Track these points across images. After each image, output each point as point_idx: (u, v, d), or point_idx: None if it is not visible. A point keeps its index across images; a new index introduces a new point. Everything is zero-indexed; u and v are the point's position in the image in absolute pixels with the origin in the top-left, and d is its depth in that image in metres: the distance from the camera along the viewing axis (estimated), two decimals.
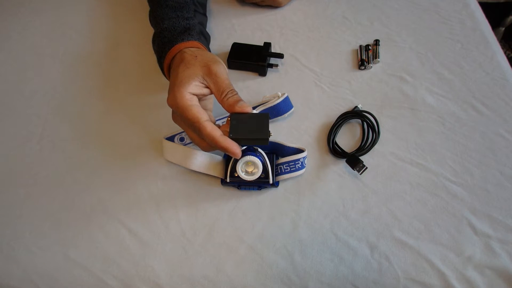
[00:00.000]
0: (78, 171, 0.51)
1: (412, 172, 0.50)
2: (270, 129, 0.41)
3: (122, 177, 0.51)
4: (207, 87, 0.43)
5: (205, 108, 0.47)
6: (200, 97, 0.44)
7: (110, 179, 0.51)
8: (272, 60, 0.60)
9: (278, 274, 0.44)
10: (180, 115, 0.42)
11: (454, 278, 0.43)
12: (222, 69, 0.43)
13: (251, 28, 0.65)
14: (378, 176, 0.50)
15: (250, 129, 0.41)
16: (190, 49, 0.47)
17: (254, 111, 0.52)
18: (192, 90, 0.42)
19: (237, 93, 0.43)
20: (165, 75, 0.51)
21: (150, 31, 0.55)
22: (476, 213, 0.47)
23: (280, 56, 0.59)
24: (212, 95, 0.46)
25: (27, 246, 0.46)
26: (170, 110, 0.55)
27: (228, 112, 0.42)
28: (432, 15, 0.66)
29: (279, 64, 0.60)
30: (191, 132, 0.43)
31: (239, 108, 0.41)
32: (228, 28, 0.65)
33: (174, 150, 0.50)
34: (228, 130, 0.41)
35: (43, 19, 0.68)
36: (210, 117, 0.47)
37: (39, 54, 0.63)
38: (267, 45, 0.60)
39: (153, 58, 0.61)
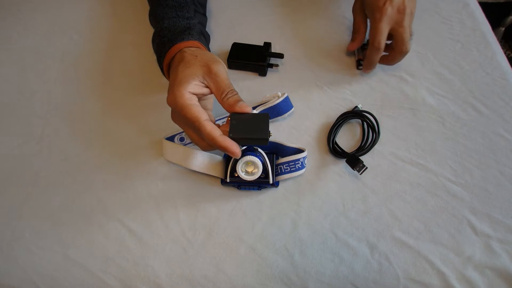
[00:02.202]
0: (78, 171, 0.51)
1: (412, 172, 0.50)
2: (270, 129, 0.41)
3: (122, 177, 0.51)
4: (207, 86, 0.43)
5: (205, 108, 0.47)
6: (200, 97, 0.44)
7: (110, 179, 0.51)
8: (272, 60, 0.60)
9: (278, 274, 0.44)
10: (179, 115, 0.42)
11: (454, 278, 0.43)
12: (222, 69, 0.43)
13: (251, 28, 0.65)
14: (378, 176, 0.50)
15: (250, 129, 0.41)
16: (190, 48, 0.47)
17: (254, 111, 0.52)
18: (192, 89, 0.42)
19: (237, 93, 0.43)
20: (164, 75, 0.51)
21: (151, 31, 0.55)
22: (476, 213, 0.47)
23: (280, 56, 0.59)
24: (212, 95, 0.46)
25: (27, 246, 0.46)
26: (170, 110, 0.56)
27: (228, 112, 0.42)
28: (432, 15, 0.66)
29: (279, 64, 0.60)
30: (190, 131, 0.43)
31: (239, 108, 0.41)
32: (228, 28, 0.65)
33: (174, 150, 0.50)
34: (227, 130, 0.41)
35: (43, 18, 0.68)
36: (209, 116, 0.47)
37: (39, 54, 0.63)
38: (267, 45, 0.60)
39: (154, 58, 0.60)
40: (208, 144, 0.42)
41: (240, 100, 0.42)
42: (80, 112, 0.57)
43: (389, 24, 0.52)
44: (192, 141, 0.45)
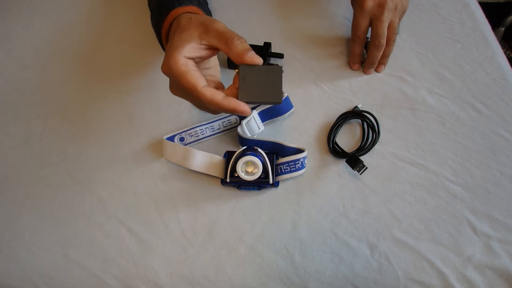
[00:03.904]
0: (78, 171, 0.51)
1: (412, 172, 0.50)
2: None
3: (122, 177, 0.51)
4: (207, 48, 0.39)
5: (213, 76, 0.44)
6: (198, 61, 0.40)
7: (110, 179, 0.51)
8: (272, 60, 0.60)
9: (278, 274, 0.44)
10: (175, 83, 0.39)
11: (454, 278, 0.43)
12: (221, 24, 0.39)
13: (251, 28, 0.65)
14: (378, 176, 0.50)
15: (261, 89, 0.37)
16: (187, 14, 0.43)
17: (254, 111, 0.51)
18: (188, 53, 0.38)
19: (245, 41, 0.38)
20: (164, 50, 0.48)
21: (150, 31, 0.55)
22: (476, 213, 0.47)
23: (280, 56, 0.59)
24: (217, 63, 0.44)
25: (27, 246, 0.46)
26: (170, 108, 0.56)
27: (236, 63, 0.38)
28: (432, 15, 0.66)
29: (279, 64, 0.60)
30: (191, 100, 0.40)
31: (249, 59, 0.37)
32: (228, 27, 0.65)
33: (174, 150, 0.50)
34: (236, 88, 0.38)
35: (43, 19, 0.68)
36: (216, 82, 0.42)
37: (39, 54, 0.63)
38: (267, 45, 0.60)
39: (153, 58, 0.61)
40: (216, 110, 0.39)
41: (250, 49, 0.37)
42: (80, 112, 0.57)
43: (368, 17, 0.54)
44: (199, 108, 0.41)
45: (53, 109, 0.57)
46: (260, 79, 0.37)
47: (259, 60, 0.38)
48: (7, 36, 0.66)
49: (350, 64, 0.59)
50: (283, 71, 0.38)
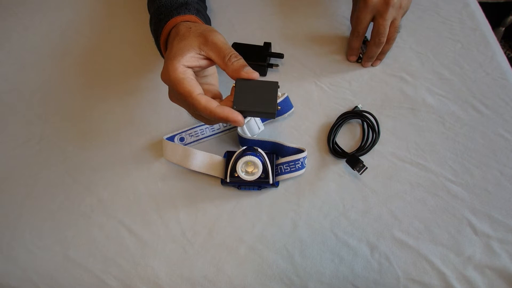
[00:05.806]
0: (78, 171, 0.51)
1: (412, 172, 0.50)
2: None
3: (122, 177, 0.51)
4: (205, 58, 0.40)
5: (209, 84, 0.45)
6: (197, 70, 0.41)
7: (110, 179, 0.51)
8: (272, 60, 0.60)
9: (278, 274, 0.44)
10: (173, 91, 0.40)
11: (454, 278, 0.43)
12: (220, 36, 0.40)
13: (251, 28, 0.65)
14: (378, 176, 0.50)
15: (256, 100, 0.38)
16: (186, 22, 0.44)
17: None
18: (187, 62, 0.39)
19: (242, 58, 0.39)
20: (163, 56, 0.49)
21: (150, 31, 0.55)
22: (476, 213, 0.47)
23: (280, 56, 0.59)
24: (215, 71, 0.45)
25: (27, 246, 0.46)
26: (170, 109, 0.56)
27: (233, 79, 0.39)
28: (432, 15, 0.66)
29: (279, 64, 0.60)
30: (187, 108, 0.41)
31: (245, 74, 0.38)
32: (228, 28, 0.65)
33: (174, 150, 0.50)
34: (232, 100, 0.38)
35: (43, 18, 0.68)
36: (214, 92, 0.44)
37: (39, 54, 0.63)
38: (267, 45, 0.60)
39: (153, 57, 0.61)
40: (209, 119, 0.40)
41: (246, 65, 0.39)
42: (80, 112, 0.57)
43: (371, 13, 0.54)
44: (195, 118, 0.42)
45: (53, 109, 0.57)
46: (255, 92, 0.38)
47: (255, 75, 0.39)
48: (7, 36, 0.66)
49: (347, 56, 0.60)
50: (279, 87, 0.39)
